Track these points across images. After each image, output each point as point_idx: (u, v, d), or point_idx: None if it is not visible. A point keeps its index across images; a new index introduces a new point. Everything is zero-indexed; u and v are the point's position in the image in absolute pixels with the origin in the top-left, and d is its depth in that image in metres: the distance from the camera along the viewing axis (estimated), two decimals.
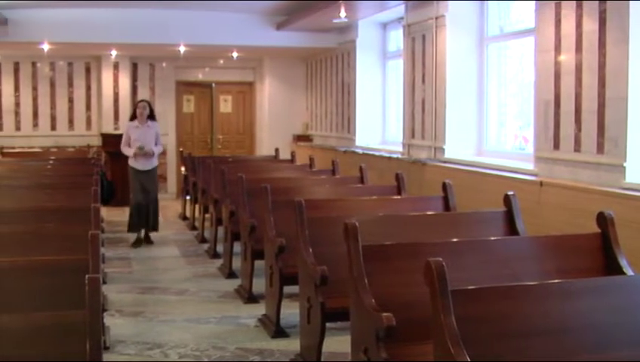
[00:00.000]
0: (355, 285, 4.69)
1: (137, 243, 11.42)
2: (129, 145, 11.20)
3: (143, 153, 11.10)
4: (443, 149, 10.48)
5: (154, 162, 11.40)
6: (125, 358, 6.26)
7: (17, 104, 16.76)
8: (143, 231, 11.58)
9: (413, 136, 11.49)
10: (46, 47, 14.60)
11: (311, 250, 5.82)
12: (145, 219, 11.40)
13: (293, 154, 12.91)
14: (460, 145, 10.43)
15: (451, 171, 9.54)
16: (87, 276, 3.42)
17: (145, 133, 11.18)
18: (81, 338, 3.26)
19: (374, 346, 4.39)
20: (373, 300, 4.53)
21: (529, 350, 3.72)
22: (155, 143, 11.28)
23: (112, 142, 15.92)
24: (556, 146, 7.91)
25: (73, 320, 3.33)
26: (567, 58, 7.70)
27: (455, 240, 5.21)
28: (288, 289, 6.82)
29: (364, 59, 14.04)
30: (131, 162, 11.27)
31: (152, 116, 11.35)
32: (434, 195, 7.36)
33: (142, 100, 11.76)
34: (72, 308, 3.66)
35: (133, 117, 11.45)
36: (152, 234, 11.75)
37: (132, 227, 11.45)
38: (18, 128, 16.78)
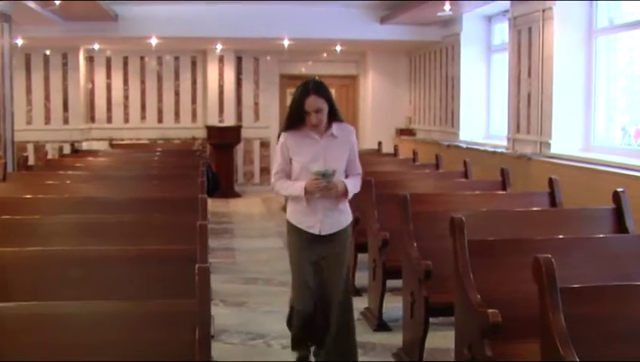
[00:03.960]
0: (460, 280, 4.66)
1: None
2: (289, 177, 5.53)
3: (326, 188, 5.29)
4: (549, 144, 10.29)
5: (345, 215, 5.58)
6: (229, 347, 6.36)
7: (126, 97, 17.20)
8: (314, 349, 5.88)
9: (518, 130, 11.31)
10: (154, 41, 14.94)
11: (415, 244, 5.81)
12: (322, 335, 5.66)
13: (396, 148, 12.85)
14: (566, 140, 10.23)
15: (557, 167, 9.37)
16: (197, 266, 3.48)
17: (327, 151, 5.43)
18: (190, 327, 3.32)
19: (479, 343, 4.36)
20: (478, 296, 4.50)
21: None
22: (347, 171, 5.54)
23: (216, 134, 16.22)
24: None
25: (182, 309, 3.40)
26: None
27: (562, 237, 5.13)
28: (391, 283, 6.81)
29: (468, 53, 13.90)
30: (294, 215, 5.58)
31: (334, 115, 5.45)
32: (540, 191, 7.24)
33: (311, 82, 5.45)
34: (179, 296, 3.73)
35: (291, 122, 5.49)
36: None
37: (296, 343, 5.90)
38: (126, 120, 17.21)
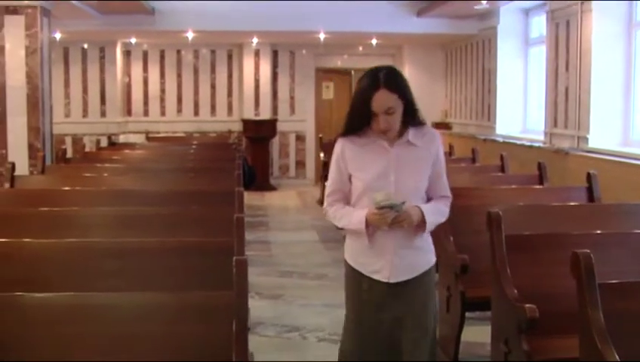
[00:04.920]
0: (497, 275, 4.64)
1: None
2: (344, 202, 4.13)
3: (395, 221, 3.84)
4: (587, 138, 10.20)
5: (426, 254, 4.11)
6: (265, 340, 6.38)
7: (163, 90, 17.29)
8: None
9: (555, 124, 11.22)
10: (190, 35, 15.01)
11: (452, 238, 5.78)
12: None
13: None
14: (604, 134, 10.12)
15: (595, 161, 9.27)
16: (234, 258, 3.49)
17: (400, 165, 3.98)
18: (227, 319, 3.34)
19: (515, 338, 4.34)
20: (515, 291, 4.48)
21: None
22: (429, 192, 4.09)
23: (252, 127, 16.26)
24: None
25: (220, 301, 3.41)
26: None
27: (600, 232, 5.08)
28: None
29: (505, 46, 13.79)
30: (352, 253, 4.11)
31: (411, 115, 4.02)
32: (577, 185, 7.17)
33: (382, 70, 3.97)
34: (215, 288, 3.75)
35: (353, 124, 4.02)
36: None
37: None
38: (163, 114, 17.30)
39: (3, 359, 3.34)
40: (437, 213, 4.00)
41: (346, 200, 4.05)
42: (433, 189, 4.03)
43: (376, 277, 3.93)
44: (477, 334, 6.12)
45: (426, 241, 4.06)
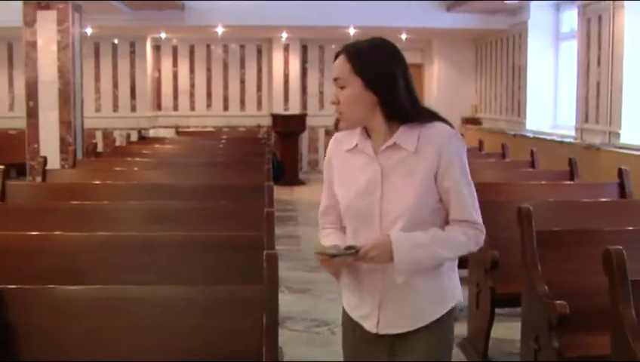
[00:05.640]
0: (527, 271, 4.61)
1: None
2: (338, 224, 3.17)
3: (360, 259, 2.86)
4: (618, 134, 10.13)
5: (438, 296, 2.96)
6: (294, 334, 6.39)
7: (192, 85, 17.37)
8: None
9: (586, 120, 11.15)
10: (220, 30, 15.06)
11: None
12: None
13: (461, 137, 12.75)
14: (636, 129, 10.06)
15: (627, 157, 9.19)
16: (265, 252, 3.50)
17: (388, 179, 2.90)
18: (258, 313, 3.34)
19: (546, 334, 4.31)
20: (546, 287, 4.45)
21: None
22: (449, 214, 2.92)
23: (281, 122, 16.26)
24: None
25: (250, 295, 3.42)
26: None
27: (632, 228, 5.03)
28: None
29: (535, 41, 13.72)
30: (343, 290, 3.12)
31: (388, 106, 2.89)
32: (609, 181, 7.11)
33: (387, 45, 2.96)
34: (245, 282, 3.75)
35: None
36: None
37: None
38: (192, 108, 17.38)
39: (35, 350, 3.37)
40: (427, 245, 2.82)
41: (338, 219, 3.14)
42: (452, 209, 2.89)
43: (364, 324, 2.99)
44: (506, 330, 6.09)
45: (439, 281, 2.94)
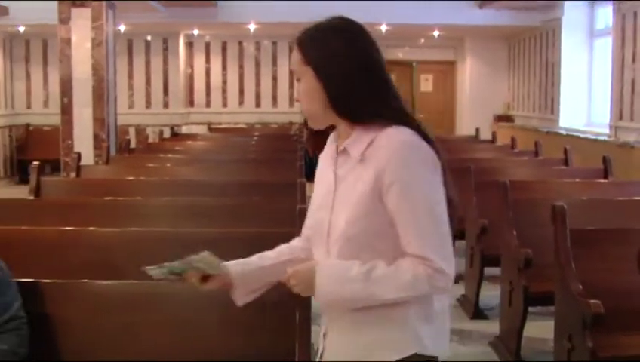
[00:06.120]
0: (561, 270, 4.58)
1: None
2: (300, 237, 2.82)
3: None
4: None
5: (394, 344, 2.37)
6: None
7: (224, 82, 17.42)
8: None
9: (621, 117, 11.04)
10: (252, 27, 15.09)
11: (514, 231, 5.72)
12: None
13: (494, 135, 12.68)
14: None
15: None
16: None
17: (338, 192, 2.44)
18: (290, 309, 3.34)
19: (580, 334, 4.28)
20: (580, 286, 4.41)
21: None
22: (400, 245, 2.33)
23: None
24: None
25: (282, 291, 3.41)
26: None
27: None
28: (488, 270, 6.73)
29: (569, 38, 13.61)
30: None
31: (335, 102, 2.40)
32: None
33: None
34: None
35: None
36: None
37: None
38: (225, 105, 17.43)
39: (68, 344, 3.40)
40: (360, 281, 2.30)
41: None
42: (402, 238, 2.32)
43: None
44: (539, 329, 6.04)
45: (392, 323, 2.38)
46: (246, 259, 2.71)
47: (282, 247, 2.78)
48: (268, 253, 2.76)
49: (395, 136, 2.32)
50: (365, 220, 2.33)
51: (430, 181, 2.31)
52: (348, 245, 2.36)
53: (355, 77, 2.38)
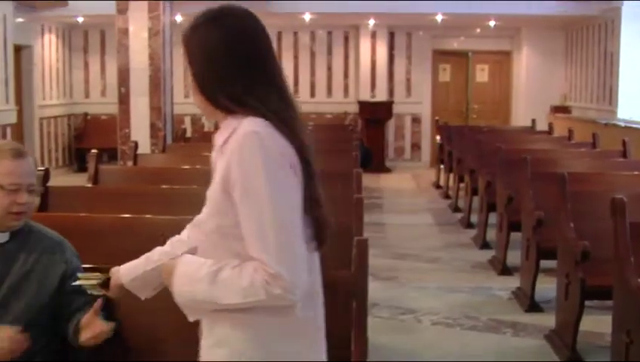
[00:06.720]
0: (620, 263, 4.52)
1: None
2: None
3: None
4: None
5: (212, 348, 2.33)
6: (379, 321, 6.38)
7: None
8: None
9: None
10: (307, 17, 15.08)
11: (572, 224, 5.65)
12: None
13: (550, 126, 12.56)
14: None
15: None
16: (355, 239, 3.48)
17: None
18: (346, 299, 3.34)
19: (638, 328, 4.22)
20: (639, 280, 4.35)
21: None
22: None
23: (368, 109, 16.28)
24: None
25: (339, 280, 3.41)
26: None
27: None
28: (544, 263, 6.67)
29: (629, 27, 13.37)
30: None
31: (202, 90, 2.35)
32: None
33: None
34: (332, 268, 3.75)
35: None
36: None
37: None
38: None
39: (129, 328, 3.43)
40: (205, 282, 2.22)
41: None
42: (246, 241, 2.20)
43: None
44: (596, 323, 5.97)
45: (214, 333, 2.31)
46: (135, 263, 2.70)
47: (174, 240, 2.76)
48: (156, 252, 2.72)
49: (243, 129, 2.19)
50: (218, 217, 2.25)
51: (274, 179, 2.15)
52: (206, 241, 2.31)
53: (220, 65, 2.27)
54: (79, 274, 2.82)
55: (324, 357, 2.42)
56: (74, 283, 2.83)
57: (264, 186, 2.13)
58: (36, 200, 3.23)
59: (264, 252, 2.12)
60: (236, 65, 2.26)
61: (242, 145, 2.16)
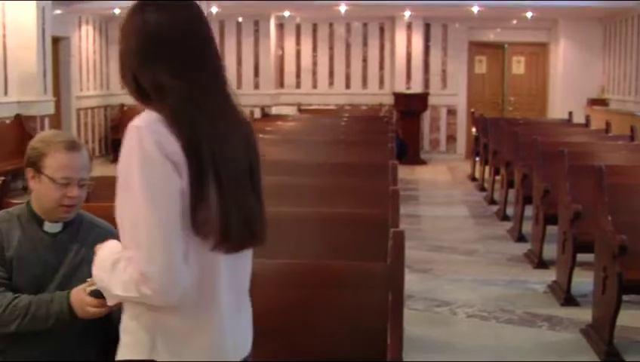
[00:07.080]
0: None
1: None
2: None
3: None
4: None
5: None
6: (414, 313, 6.38)
7: (315, 63, 17.48)
8: None
9: None
10: (343, 9, 15.09)
11: (610, 217, 5.61)
12: None
13: (587, 119, 12.46)
14: None
15: None
16: (392, 230, 3.49)
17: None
18: (383, 290, 3.35)
19: None
20: None
21: None
22: None
23: (403, 101, 16.25)
24: None
25: (376, 272, 3.42)
26: None
27: None
28: (580, 256, 6.63)
29: None
30: None
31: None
32: None
33: None
34: (368, 259, 3.76)
35: None
36: None
37: None
38: (315, 86, 17.50)
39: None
40: (109, 272, 2.22)
41: None
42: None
43: None
44: (634, 318, 5.94)
45: (130, 315, 2.25)
46: None
47: None
48: None
49: (130, 123, 2.12)
50: (120, 208, 2.17)
51: (150, 178, 2.07)
52: (120, 232, 2.21)
53: (133, 55, 2.19)
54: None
55: None
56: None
57: (138, 184, 2.08)
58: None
59: (137, 248, 2.08)
60: (152, 56, 2.17)
61: (125, 140, 2.11)
